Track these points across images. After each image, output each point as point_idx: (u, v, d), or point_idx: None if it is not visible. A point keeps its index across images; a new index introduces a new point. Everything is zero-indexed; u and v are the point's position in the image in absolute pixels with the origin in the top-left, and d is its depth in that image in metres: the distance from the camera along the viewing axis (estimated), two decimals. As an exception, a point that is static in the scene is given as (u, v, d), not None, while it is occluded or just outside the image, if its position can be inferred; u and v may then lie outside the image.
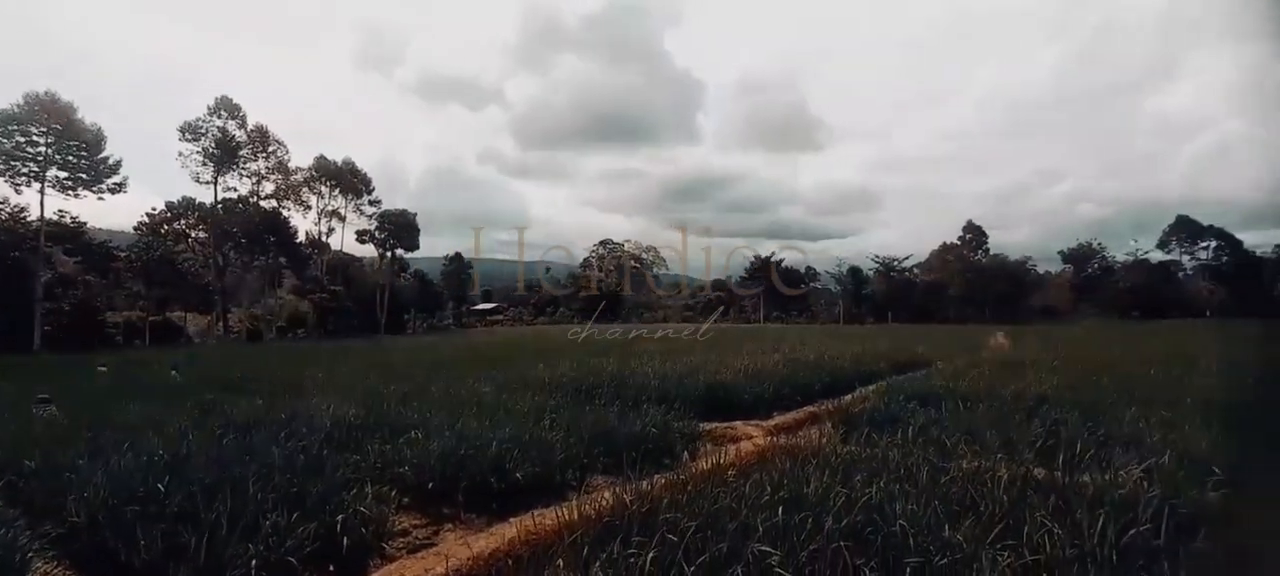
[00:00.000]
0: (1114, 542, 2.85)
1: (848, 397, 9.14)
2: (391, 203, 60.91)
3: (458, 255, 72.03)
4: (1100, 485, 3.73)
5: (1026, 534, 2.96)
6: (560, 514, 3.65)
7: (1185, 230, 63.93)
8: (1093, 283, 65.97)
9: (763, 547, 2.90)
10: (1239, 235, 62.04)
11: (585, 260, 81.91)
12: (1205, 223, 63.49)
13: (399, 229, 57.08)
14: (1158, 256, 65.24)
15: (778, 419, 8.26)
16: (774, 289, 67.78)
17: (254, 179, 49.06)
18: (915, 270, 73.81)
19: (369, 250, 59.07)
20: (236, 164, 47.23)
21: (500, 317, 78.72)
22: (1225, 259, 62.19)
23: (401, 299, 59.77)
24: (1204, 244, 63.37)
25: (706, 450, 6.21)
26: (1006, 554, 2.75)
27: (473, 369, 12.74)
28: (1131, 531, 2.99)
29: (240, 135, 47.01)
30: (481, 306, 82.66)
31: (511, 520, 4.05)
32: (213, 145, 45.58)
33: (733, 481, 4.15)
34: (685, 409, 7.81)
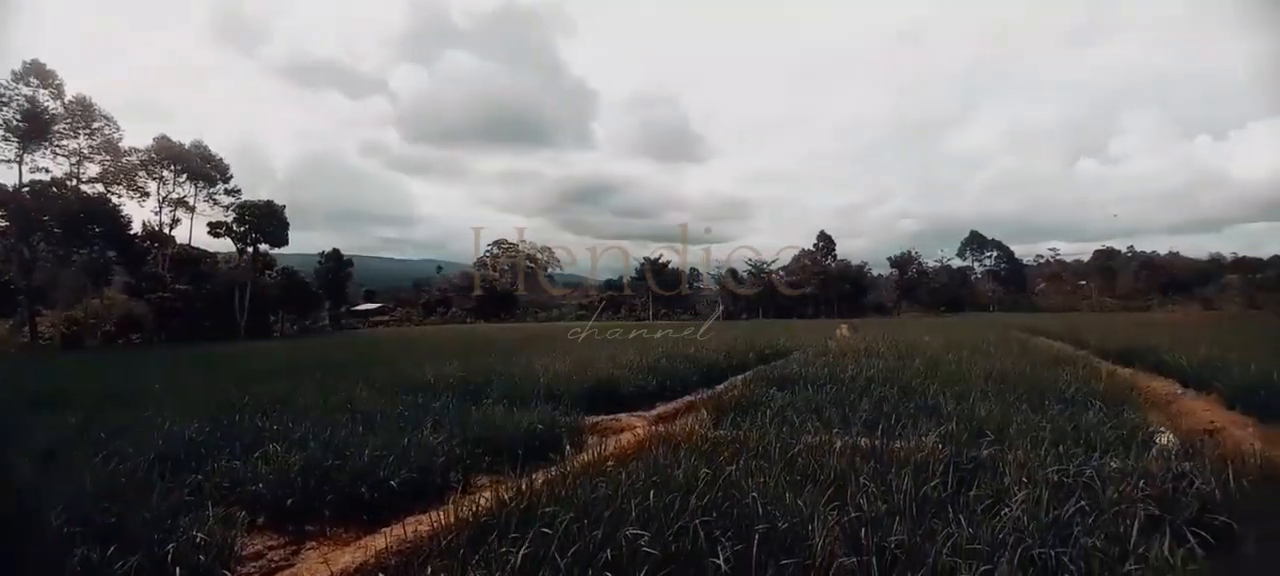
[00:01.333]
0: (913, 495, 3.34)
1: (721, 387, 9.72)
2: (255, 193, 53.30)
3: (335, 252, 65.32)
4: (908, 449, 4.33)
5: (850, 494, 3.38)
6: (437, 518, 3.51)
7: (976, 242, 78.03)
8: (911, 283, 76.63)
9: (634, 530, 3.02)
10: (1012, 246, 76.67)
11: (479, 259, 78.55)
12: (990, 237, 77.90)
13: (262, 221, 50.05)
14: (957, 263, 78.61)
15: (659, 409, 8.53)
16: (657, 290, 69.97)
17: (73, 159, 39.98)
18: (781, 272, 79.93)
19: (226, 245, 51.65)
20: (49, 140, 38.27)
21: (385, 318, 72.79)
22: (1003, 265, 76.79)
23: (266, 299, 52.85)
24: (989, 253, 77.70)
25: (591, 443, 6.28)
26: (835, 513, 3.12)
27: (348, 372, 11.73)
28: (927, 485, 3.52)
29: (55, 107, 38.14)
30: (364, 307, 75.81)
31: (383, 531, 3.82)
32: (17, 117, 36.62)
33: (612, 471, 4.25)
34: (573, 404, 7.85)
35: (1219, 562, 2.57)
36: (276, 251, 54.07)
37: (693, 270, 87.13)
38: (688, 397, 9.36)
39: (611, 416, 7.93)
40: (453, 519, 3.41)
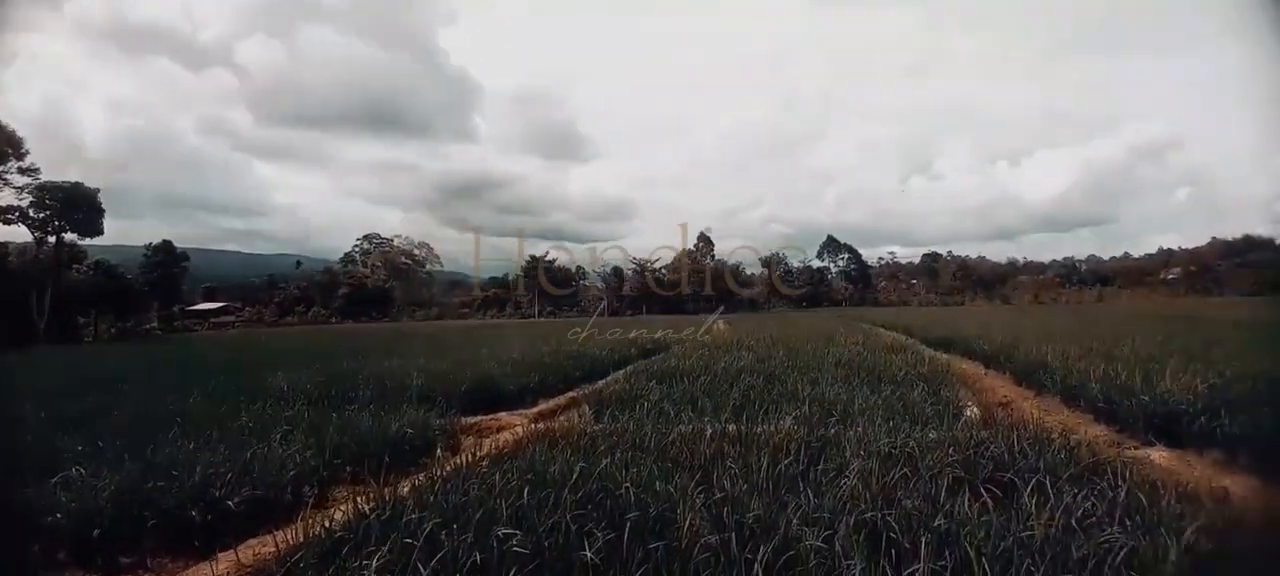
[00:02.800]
0: (770, 473, 3.60)
1: (603, 382, 9.77)
2: (61, 173, 43.72)
3: (166, 244, 55.74)
4: (768, 432, 4.66)
5: (716, 478, 3.55)
6: (284, 538, 3.13)
7: (832, 246, 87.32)
8: (780, 282, 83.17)
9: (506, 530, 2.91)
10: (861, 250, 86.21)
11: (347, 255, 71.72)
12: (843, 241, 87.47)
13: (68, 206, 41.38)
14: (817, 264, 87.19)
15: (541, 406, 8.37)
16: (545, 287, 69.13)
17: None
18: (664, 270, 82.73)
19: (21, 233, 42.13)
20: None
21: (230, 319, 63.54)
22: (853, 267, 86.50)
23: (75, 297, 43.71)
24: (842, 255, 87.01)
25: (467, 444, 5.99)
26: (702, 495, 3.25)
27: (181, 379, 10.10)
28: (783, 464, 3.81)
29: None
30: (203, 306, 65.57)
31: (220, 556, 3.34)
32: None
33: (485, 472, 4.08)
34: (450, 405, 7.45)
35: (1003, 511, 3.05)
36: (88, 242, 45.08)
37: (579, 268, 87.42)
38: (570, 393, 9.31)
39: (491, 416, 7.66)
40: (302, 536, 3.07)
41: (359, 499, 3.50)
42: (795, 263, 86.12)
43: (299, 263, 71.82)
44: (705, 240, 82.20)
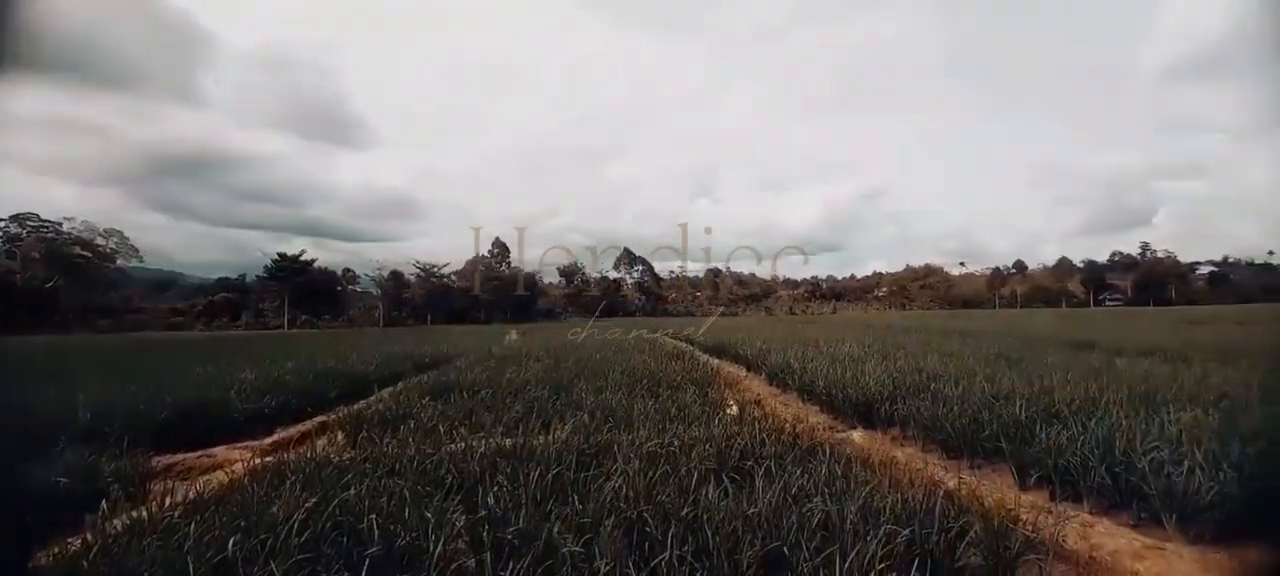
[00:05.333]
0: (540, 484, 3.66)
1: (365, 401, 8.83)
2: None
3: None
4: (547, 443, 4.73)
5: (481, 496, 3.47)
6: None
7: (628, 258, 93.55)
8: (577, 292, 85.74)
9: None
10: (654, 263, 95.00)
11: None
12: (638, 254, 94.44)
13: None
14: (614, 275, 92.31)
15: (279, 435, 7.25)
16: (304, 290, 59.63)
17: None
18: (453, 277, 78.26)
19: None
20: None
21: None
22: (647, 278, 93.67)
23: None
24: (637, 268, 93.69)
25: (159, 491, 4.81)
26: (462, 516, 3.15)
27: None
28: (556, 473, 3.91)
29: None
30: None
31: None
32: None
33: (177, 523, 3.33)
34: (137, 442, 5.90)
35: (745, 493, 3.58)
36: None
37: (347, 270, 78.15)
38: (321, 418, 8.21)
39: (203, 452, 6.33)
40: None
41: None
42: (594, 273, 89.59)
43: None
44: (500, 246, 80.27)
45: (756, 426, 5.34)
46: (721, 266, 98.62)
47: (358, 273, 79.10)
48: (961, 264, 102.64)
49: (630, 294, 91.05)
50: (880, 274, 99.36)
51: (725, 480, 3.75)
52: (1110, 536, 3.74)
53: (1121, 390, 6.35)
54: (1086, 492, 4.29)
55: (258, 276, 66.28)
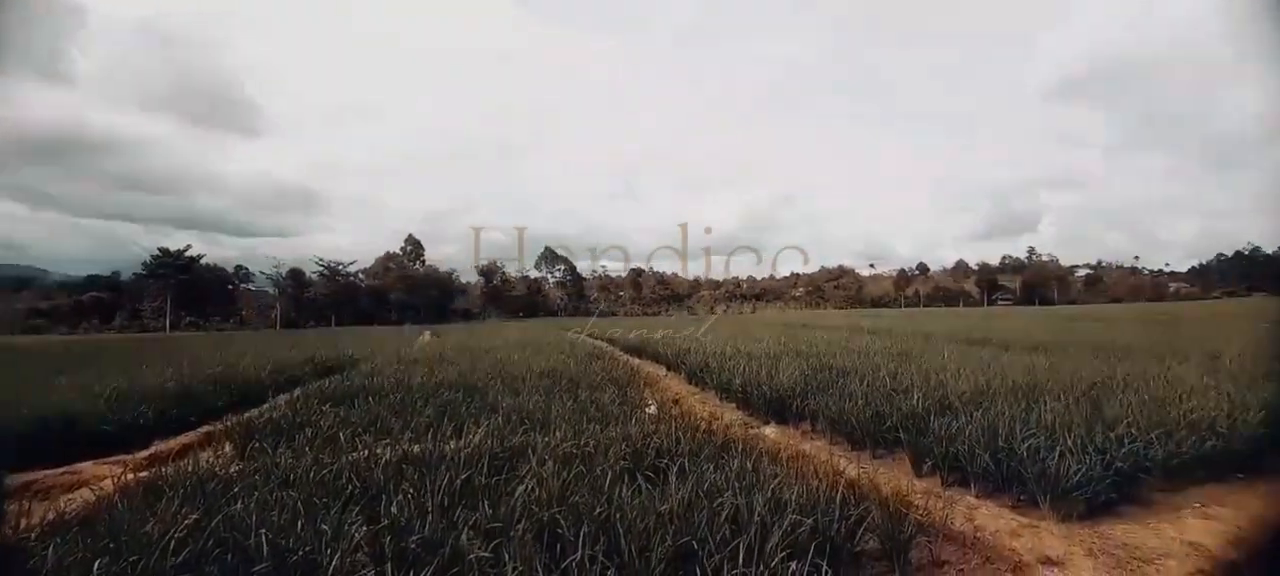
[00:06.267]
0: (449, 491, 3.56)
1: (257, 410, 8.21)
2: None
3: None
4: (458, 448, 4.61)
5: (384, 505, 3.33)
6: None
7: (550, 257, 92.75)
8: (497, 292, 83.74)
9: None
10: (577, 262, 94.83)
11: None
12: (560, 253, 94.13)
13: None
14: (535, 274, 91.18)
15: (157, 447, 6.74)
16: (189, 289, 54.31)
17: None
18: (360, 275, 74.06)
19: None
20: None
21: None
22: (569, 278, 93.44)
23: None
24: (559, 267, 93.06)
25: (13, 512, 4.24)
26: (363, 526, 3.01)
27: None
28: (465, 478, 3.82)
29: None
30: None
31: None
32: None
33: (34, 547, 2.95)
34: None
35: (658, 491, 3.66)
36: None
37: (239, 268, 72.11)
38: (207, 427, 7.60)
39: (66, 468, 5.70)
40: None
41: None
42: (514, 272, 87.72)
43: None
44: (414, 243, 76.77)
45: (674, 425, 5.47)
46: (644, 266, 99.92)
47: (251, 270, 73.21)
48: (871, 266, 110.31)
49: (553, 294, 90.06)
50: (797, 275, 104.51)
51: (640, 479, 3.82)
52: (993, 517, 4.16)
53: (1006, 383, 7.06)
54: (973, 478, 4.73)
55: (135, 274, 59.60)
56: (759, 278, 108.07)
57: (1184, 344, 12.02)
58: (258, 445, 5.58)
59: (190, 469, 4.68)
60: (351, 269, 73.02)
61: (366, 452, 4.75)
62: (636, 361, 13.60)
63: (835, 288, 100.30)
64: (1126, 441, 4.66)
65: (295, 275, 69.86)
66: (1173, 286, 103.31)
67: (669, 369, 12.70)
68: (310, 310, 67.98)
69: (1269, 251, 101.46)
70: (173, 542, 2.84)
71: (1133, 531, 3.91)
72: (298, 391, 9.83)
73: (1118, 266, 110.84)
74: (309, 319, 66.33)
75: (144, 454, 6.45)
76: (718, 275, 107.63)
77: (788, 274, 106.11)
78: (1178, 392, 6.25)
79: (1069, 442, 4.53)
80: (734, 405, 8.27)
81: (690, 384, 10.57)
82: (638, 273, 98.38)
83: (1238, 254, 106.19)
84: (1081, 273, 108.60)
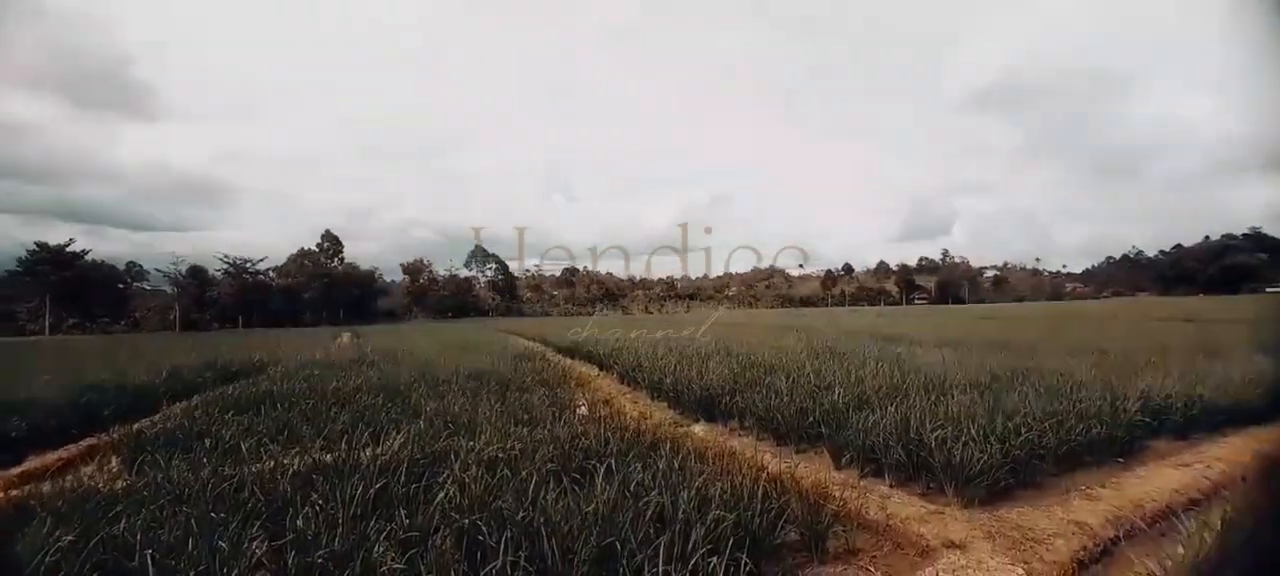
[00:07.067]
0: (362, 500, 3.42)
1: (149, 419, 7.60)
2: None
3: None
4: (373, 456, 4.42)
5: (290, 518, 3.16)
6: None
7: (480, 255, 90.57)
8: (423, 291, 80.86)
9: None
10: (509, 261, 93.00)
11: None
12: (491, 251, 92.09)
13: None
14: (465, 273, 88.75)
15: (31, 463, 6.20)
16: (72, 287, 49.15)
17: None
18: (271, 273, 69.43)
19: None
20: None
21: None
22: (501, 277, 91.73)
23: None
24: (490, 266, 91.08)
25: None
26: (263, 543, 2.84)
27: None
28: (383, 486, 3.68)
29: None
30: None
31: None
32: None
33: None
34: None
35: (584, 492, 3.66)
36: None
37: (132, 264, 66.06)
38: (89, 440, 6.95)
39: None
40: None
41: None
42: (442, 271, 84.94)
43: None
44: (331, 239, 72.73)
45: (603, 426, 5.48)
46: (578, 266, 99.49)
47: (146, 267, 67.15)
48: (800, 266, 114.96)
49: (484, 293, 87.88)
50: (730, 275, 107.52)
51: (566, 481, 3.81)
52: (904, 505, 4.43)
53: (919, 378, 7.54)
54: (888, 468, 5.02)
55: (9, 271, 53.19)
56: (694, 277, 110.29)
57: (1076, 340, 13.27)
58: (149, 458, 5.15)
59: (70, 485, 4.28)
60: (261, 266, 68.34)
61: (273, 463, 4.48)
62: (568, 362, 13.52)
63: (766, 287, 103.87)
64: (1023, 430, 5.08)
65: (196, 273, 64.67)
66: (1069, 287, 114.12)
67: (602, 368, 12.72)
68: (214, 310, 63.10)
69: (1151, 255, 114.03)
70: (42, 567, 2.58)
71: (1027, 514, 4.27)
72: (196, 399, 9.15)
73: (1021, 268, 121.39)
74: (213, 320, 61.59)
75: (16, 471, 5.90)
76: (652, 274, 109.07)
77: (721, 273, 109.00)
78: (1069, 385, 6.89)
79: (973, 432, 4.89)
80: (665, 404, 8.39)
81: (622, 383, 10.62)
82: (572, 272, 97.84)
83: (1125, 257, 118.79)
84: (989, 273, 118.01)
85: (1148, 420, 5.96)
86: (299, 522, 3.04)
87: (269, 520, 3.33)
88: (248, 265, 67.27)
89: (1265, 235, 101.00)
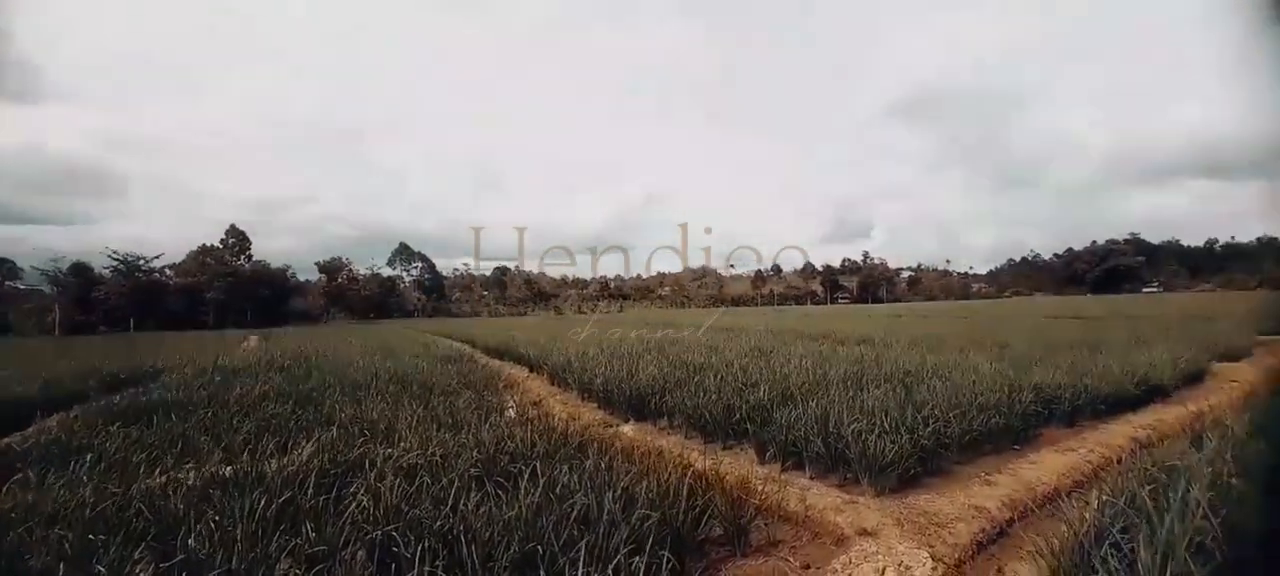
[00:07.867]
0: (263, 516, 3.22)
1: (20, 433, 6.82)
2: None
3: None
4: (279, 468, 4.17)
5: (182, 537, 2.93)
6: None
7: (405, 254, 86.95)
8: (341, 290, 76.67)
9: None
10: (436, 260, 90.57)
11: None
12: (417, 249, 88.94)
13: None
14: (388, 272, 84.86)
15: None
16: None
17: None
18: (168, 271, 63.78)
19: None
20: None
21: None
22: (428, 276, 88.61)
23: None
24: (416, 264, 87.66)
25: None
26: (149, 566, 2.62)
27: None
28: (285, 498, 3.47)
29: None
30: None
31: None
32: None
33: None
34: None
35: (508, 497, 3.61)
36: None
37: (4, 261, 58.98)
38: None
39: None
40: None
41: None
42: (363, 269, 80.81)
43: None
44: (237, 235, 67.62)
45: (530, 427, 5.42)
46: (509, 265, 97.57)
47: (19, 264, 60.07)
48: (731, 266, 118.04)
49: (409, 294, 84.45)
50: (663, 274, 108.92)
51: (490, 486, 3.74)
52: (822, 496, 4.65)
53: (839, 373, 7.92)
54: (808, 461, 5.25)
55: None
56: (626, 277, 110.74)
57: (980, 336, 14.35)
58: (21, 475, 4.61)
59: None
60: (156, 264, 62.61)
61: (165, 478, 4.14)
62: (498, 363, 13.26)
63: (698, 287, 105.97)
64: (931, 421, 5.44)
65: (80, 270, 58.41)
66: (975, 287, 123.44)
67: (532, 370, 12.55)
68: (101, 313, 57.23)
69: (1047, 258, 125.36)
70: None
71: (933, 500, 4.58)
72: (76, 410, 8.28)
73: (933, 269, 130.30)
74: (100, 323, 55.87)
75: None
76: (586, 274, 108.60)
77: (655, 273, 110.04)
78: (972, 378, 7.45)
79: (886, 424, 5.20)
80: (595, 404, 8.39)
81: (553, 384, 10.53)
82: (502, 271, 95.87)
83: (1024, 259, 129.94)
84: (905, 274, 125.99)
85: (1041, 409, 6.52)
86: (191, 542, 2.82)
87: (156, 540, 3.08)
88: (140, 262, 61.48)
89: (1143, 240, 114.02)
